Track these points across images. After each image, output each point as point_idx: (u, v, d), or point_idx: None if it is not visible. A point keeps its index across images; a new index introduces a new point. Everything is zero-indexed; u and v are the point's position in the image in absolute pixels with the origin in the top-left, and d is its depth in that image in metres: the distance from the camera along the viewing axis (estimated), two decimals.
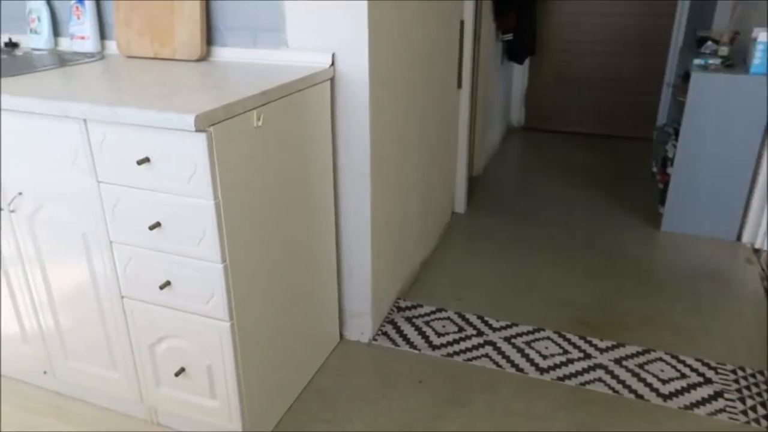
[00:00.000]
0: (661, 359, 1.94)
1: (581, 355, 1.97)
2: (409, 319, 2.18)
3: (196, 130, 1.21)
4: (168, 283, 1.41)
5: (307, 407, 1.76)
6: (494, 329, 2.12)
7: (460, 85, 2.82)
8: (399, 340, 2.07)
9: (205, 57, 1.81)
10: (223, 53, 1.82)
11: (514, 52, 3.85)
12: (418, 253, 2.51)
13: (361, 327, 2.06)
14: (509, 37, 3.63)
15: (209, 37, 1.81)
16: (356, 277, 1.98)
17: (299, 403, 1.78)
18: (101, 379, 1.67)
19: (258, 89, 1.40)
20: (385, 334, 2.10)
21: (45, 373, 1.77)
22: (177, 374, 1.51)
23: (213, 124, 1.24)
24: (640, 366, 1.91)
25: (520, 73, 4.48)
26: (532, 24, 3.83)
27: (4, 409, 1.78)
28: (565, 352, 1.99)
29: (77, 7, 1.88)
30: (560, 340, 2.05)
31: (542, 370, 1.90)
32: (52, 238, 1.52)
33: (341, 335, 2.08)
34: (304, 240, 1.72)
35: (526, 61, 4.35)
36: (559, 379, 1.86)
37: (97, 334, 1.60)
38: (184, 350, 1.49)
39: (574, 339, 2.06)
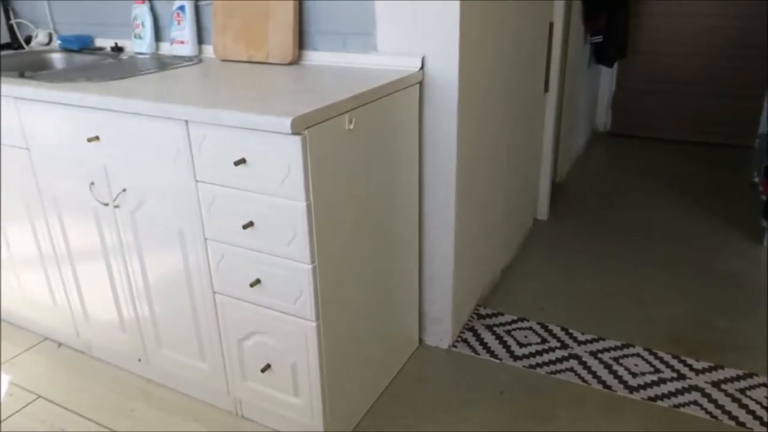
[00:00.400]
0: (764, 385, 1.81)
1: (674, 375, 1.86)
2: (489, 327, 2.14)
3: (292, 133, 1.23)
4: (258, 281, 1.45)
5: (386, 410, 1.76)
6: (579, 342, 2.04)
7: (546, 89, 2.75)
8: (479, 348, 2.03)
9: (296, 61, 1.85)
10: (313, 57, 1.85)
11: (602, 55, 3.71)
12: (498, 259, 2.46)
13: (441, 333, 2.03)
14: (599, 39, 3.50)
15: (301, 41, 1.85)
16: (437, 282, 1.96)
17: (378, 406, 1.78)
18: (191, 368, 1.73)
19: (350, 93, 1.41)
20: (464, 341, 2.07)
21: (139, 360, 1.86)
22: (263, 370, 1.55)
23: (308, 127, 1.26)
24: (741, 391, 1.78)
25: (607, 76, 4.31)
26: (623, 25, 3.68)
27: (100, 391, 1.88)
28: (657, 371, 1.89)
29: (178, 14, 1.97)
30: (651, 358, 1.95)
31: (631, 389, 1.81)
32: (151, 233, 1.59)
33: (420, 340, 2.07)
34: (388, 243, 1.72)
35: (615, 64, 4.19)
36: (650, 399, 1.77)
37: (188, 326, 1.66)
38: (270, 347, 1.52)
39: (667, 358, 1.95)
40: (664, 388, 1.81)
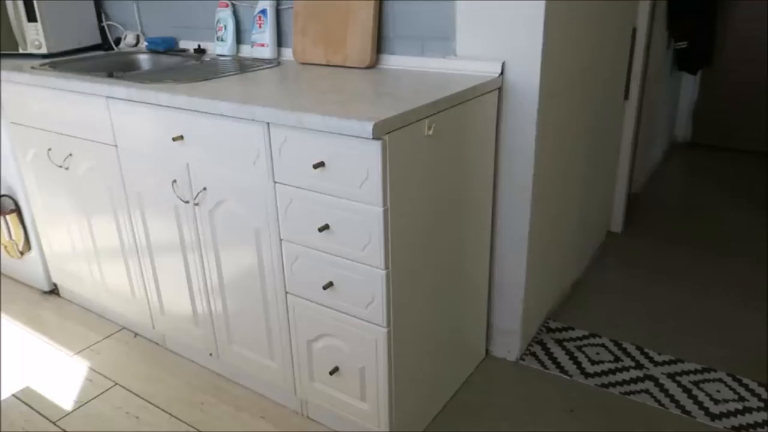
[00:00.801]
0: None
1: (761, 404, 1.75)
2: (559, 342, 2.07)
3: (373, 138, 1.22)
4: (331, 284, 1.45)
5: (452, 421, 1.73)
6: (656, 363, 1.95)
7: (627, 97, 2.64)
8: (548, 362, 1.97)
9: (374, 65, 1.85)
10: (391, 61, 1.84)
11: (686, 62, 3.54)
12: (570, 272, 2.38)
13: (509, 345, 1.99)
14: (683, 45, 3.35)
15: (378, 45, 1.85)
16: (507, 292, 1.91)
17: (443, 416, 1.75)
18: (260, 366, 1.76)
19: (430, 98, 1.40)
20: (533, 354, 2.01)
21: (210, 355, 1.91)
22: (331, 373, 1.55)
23: (388, 132, 1.25)
24: None
25: (689, 83, 4.11)
26: (710, 31, 3.50)
27: (173, 382, 1.94)
28: (742, 398, 1.77)
29: (260, 17, 2.01)
30: (735, 385, 1.83)
31: (713, 416, 1.71)
32: (228, 231, 1.63)
33: (487, 351, 2.03)
34: (459, 251, 1.69)
35: (699, 72, 3.99)
36: (734, 429, 1.66)
37: (259, 324, 1.69)
38: (340, 350, 1.52)
39: (753, 385, 1.83)
40: (749, 418, 1.69)
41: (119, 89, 1.67)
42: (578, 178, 2.20)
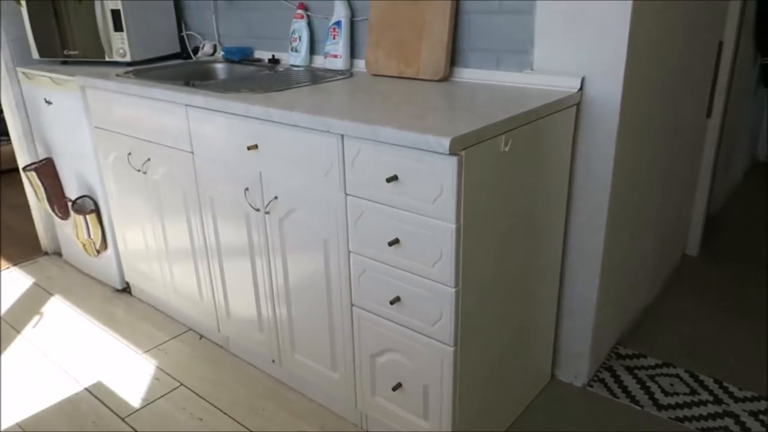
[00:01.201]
0: None
1: None
2: (629, 369, 1.98)
3: (449, 153, 1.20)
4: (398, 299, 1.43)
5: None
6: (736, 399, 1.83)
7: (709, 114, 2.52)
8: (617, 390, 1.88)
9: (447, 77, 1.83)
10: (464, 74, 1.82)
11: None
12: (642, 296, 2.28)
13: (576, 369, 1.91)
14: None
15: (452, 57, 1.83)
16: (578, 314, 1.84)
17: None
18: (321, 376, 1.76)
19: (507, 113, 1.36)
20: (601, 380, 1.93)
21: (273, 361, 1.93)
22: (394, 388, 1.53)
23: (464, 148, 1.23)
24: None
25: None
26: None
27: (235, 386, 1.97)
28: None
29: (334, 29, 2.03)
30: None
31: None
32: (297, 240, 1.64)
33: (553, 374, 1.96)
34: (529, 270, 1.64)
35: None
36: None
37: (323, 334, 1.69)
38: (403, 366, 1.50)
39: None
40: None
41: (198, 98, 1.72)
42: (656, 197, 2.10)
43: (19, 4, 2.36)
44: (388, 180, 1.33)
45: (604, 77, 1.57)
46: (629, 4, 1.48)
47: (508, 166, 1.40)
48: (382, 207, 1.38)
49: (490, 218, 1.38)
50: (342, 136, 1.40)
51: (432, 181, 1.27)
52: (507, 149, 1.36)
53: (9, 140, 2.76)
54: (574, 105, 1.62)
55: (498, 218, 1.42)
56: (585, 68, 1.60)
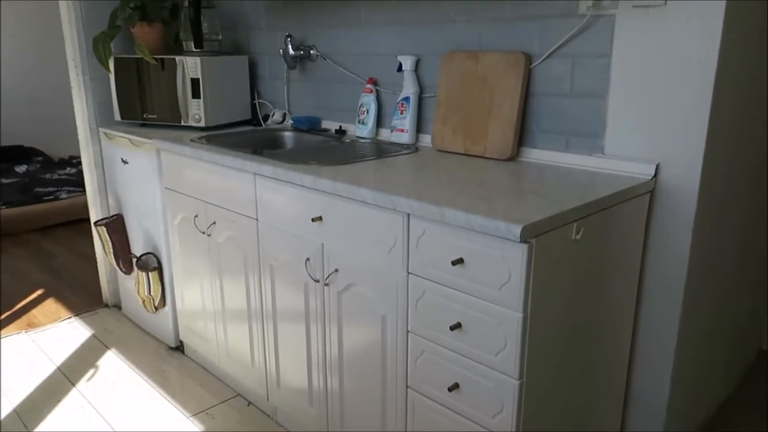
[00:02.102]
0: None
1: None
2: None
3: (520, 241, 1.17)
4: (456, 386, 1.37)
5: None
6: None
7: None
8: None
9: (514, 157, 1.81)
10: (532, 154, 1.80)
11: None
12: (716, 392, 2.12)
13: None
14: None
15: (520, 137, 1.82)
16: (645, 409, 1.72)
17: None
18: None
19: (580, 200, 1.33)
20: None
21: None
22: None
23: (535, 236, 1.19)
24: None
25: None
26: None
27: None
28: None
29: (402, 104, 2.07)
30: None
31: None
32: (355, 314, 1.61)
33: None
34: (597, 362, 1.55)
35: None
36: None
37: (375, 414, 1.63)
38: None
39: None
40: None
41: (267, 168, 1.76)
42: (732, 287, 1.99)
43: (108, 71, 2.52)
44: (454, 263, 1.30)
45: (681, 165, 1.52)
46: (710, 91, 1.45)
47: (578, 254, 1.35)
48: (446, 289, 1.35)
49: (557, 308, 1.32)
50: (408, 214, 1.39)
51: (499, 267, 1.23)
52: (578, 237, 1.32)
53: (83, 192, 2.90)
54: (648, 192, 1.56)
55: (566, 309, 1.36)
56: (660, 154, 1.55)
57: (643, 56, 1.54)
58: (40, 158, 5.30)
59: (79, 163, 2.79)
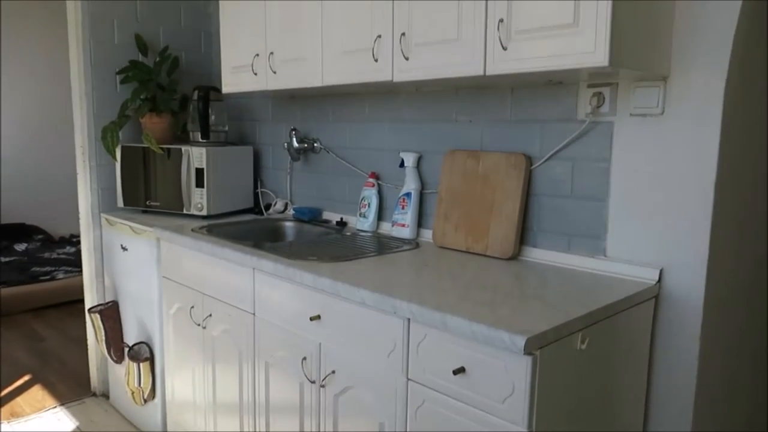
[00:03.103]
0: None
1: None
2: None
3: (524, 353, 1.13)
4: None
5: None
6: None
7: None
8: None
9: (516, 256, 1.80)
10: (534, 254, 1.79)
11: None
12: None
13: None
14: None
15: (521, 235, 1.81)
16: None
17: None
18: None
19: (584, 308, 1.30)
20: None
21: None
22: None
23: (540, 347, 1.16)
24: None
25: None
26: None
27: None
28: None
29: (404, 199, 2.08)
30: None
31: None
32: (352, 418, 1.55)
33: None
34: None
35: None
36: None
37: None
38: None
39: None
40: None
41: (267, 263, 1.74)
42: (743, 396, 1.91)
43: (115, 159, 2.56)
44: (455, 372, 1.25)
45: (685, 271, 1.51)
46: (710, 198, 1.45)
47: (584, 364, 1.31)
48: (447, 399, 1.29)
49: (563, 422, 1.27)
50: (408, 319, 1.36)
51: (503, 379, 1.19)
52: (584, 347, 1.28)
53: (80, 272, 2.87)
54: (652, 298, 1.54)
55: (572, 422, 1.30)
56: (663, 259, 1.54)
57: (642, 162, 1.56)
58: (40, 236, 5.31)
59: (80, 241, 2.77)
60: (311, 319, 1.61)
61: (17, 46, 5.20)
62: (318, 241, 2.15)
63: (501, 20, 1.45)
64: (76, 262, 4.51)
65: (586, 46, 1.30)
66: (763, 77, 1.73)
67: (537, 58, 1.40)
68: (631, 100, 1.56)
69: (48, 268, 4.47)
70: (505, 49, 1.45)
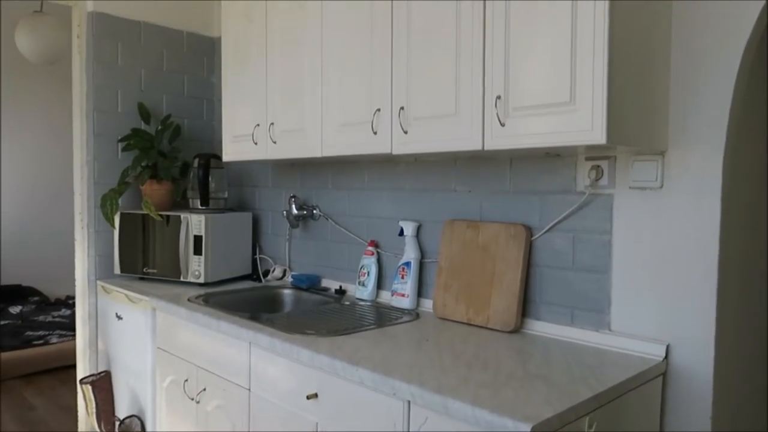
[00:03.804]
0: None
1: None
2: None
3: None
4: None
5: None
6: None
7: None
8: None
9: (518, 329, 1.76)
10: (536, 326, 1.75)
11: None
12: None
13: None
14: None
15: (523, 306, 1.78)
16: None
17: None
18: None
19: (591, 390, 1.26)
20: None
21: None
22: None
23: None
24: None
25: None
26: None
27: None
28: None
29: (403, 269, 2.06)
30: None
31: None
32: None
33: None
34: None
35: None
36: None
37: None
38: None
39: None
40: None
41: (263, 337, 1.70)
42: None
43: (113, 227, 2.56)
44: None
45: (693, 346, 1.47)
46: (715, 272, 1.43)
47: None
48: None
49: None
50: (408, 401, 1.31)
51: None
52: (592, 431, 1.23)
53: (74, 336, 2.81)
54: (660, 375, 1.49)
55: None
56: (669, 334, 1.50)
57: (644, 236, 1.54)
58: (36, 298, 5.24)
59: (75, 303, 2.73)
60: (308, 397, 1.55)
61: (18, 106, 5.27)
62: (316, 311, 2.12)
63: (498, 97, 1.46)
64: (70, 326, 4.42)
65: (584, 125, 1.31)
66: (763, 147, 1.75)
67: (535, 134, 1.41)
68: (630, 174, 1.57)
69: (42, 332, 4.39)
70: (503, 125, 1.46)
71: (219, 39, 2.61)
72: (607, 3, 1.28)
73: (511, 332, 1.75)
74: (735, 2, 1.39)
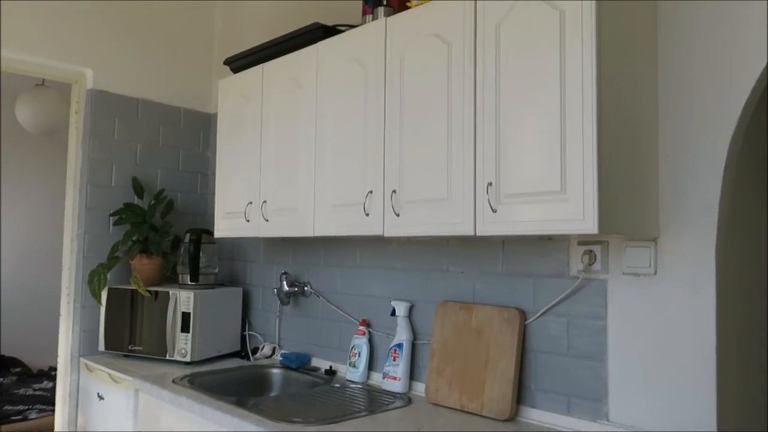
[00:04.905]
0: None
1: None
2: None
3: None
4: None
5: None
6: None
7: None
8: None
9: (513, 417, 1.70)
10: (532, 414, 1.69)
11: None
12: None
13: None
14: None
15: (519, 394, 1.72)
16: None
17: None
18: None
19: None
20: None
21: None
22: None
23: None
24: None
25: None
26: None
27: None
28: None
29: (395, 350, 2.01)
30: None
31: None
32: None
33: None
34: None
35: None
36: None
37: None
38: None
39: None
40: None
41: (248, 425, 1.63)
42: None
43: (99, 304, 2.51)
44: None
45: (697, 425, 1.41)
46: (713, 361, 1.39)
47: None
48: None
49: None
50: None
51: None
52: None
53: (53, 411, 2.70)
54: None
55: None
56: (670, 425, 1.45)
57: (639, 322, 1.52)
58: (18, 369, 5.08)
59: (53, 378, 2.64)
60: None
61: (12, 174, 5.28)
62: (305, 395, 2.05)
63: (490, 183, 1.47)
64: (51, 400, 4.27)
65: (575, 214, 1.31)
66: (761, 229, 1.75)
67: (527, 222, 1.41)
68: (623, 259, 1.56)
69: (21, 407, 4.23)
70: (494, 211, 1.46)
71: (215, 115, 2.65)
72: (595, 95, 1.31)
73: (505, 421, 1.69)
74: (720, 88, 1.42)
